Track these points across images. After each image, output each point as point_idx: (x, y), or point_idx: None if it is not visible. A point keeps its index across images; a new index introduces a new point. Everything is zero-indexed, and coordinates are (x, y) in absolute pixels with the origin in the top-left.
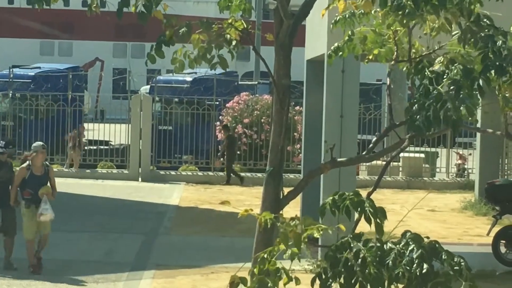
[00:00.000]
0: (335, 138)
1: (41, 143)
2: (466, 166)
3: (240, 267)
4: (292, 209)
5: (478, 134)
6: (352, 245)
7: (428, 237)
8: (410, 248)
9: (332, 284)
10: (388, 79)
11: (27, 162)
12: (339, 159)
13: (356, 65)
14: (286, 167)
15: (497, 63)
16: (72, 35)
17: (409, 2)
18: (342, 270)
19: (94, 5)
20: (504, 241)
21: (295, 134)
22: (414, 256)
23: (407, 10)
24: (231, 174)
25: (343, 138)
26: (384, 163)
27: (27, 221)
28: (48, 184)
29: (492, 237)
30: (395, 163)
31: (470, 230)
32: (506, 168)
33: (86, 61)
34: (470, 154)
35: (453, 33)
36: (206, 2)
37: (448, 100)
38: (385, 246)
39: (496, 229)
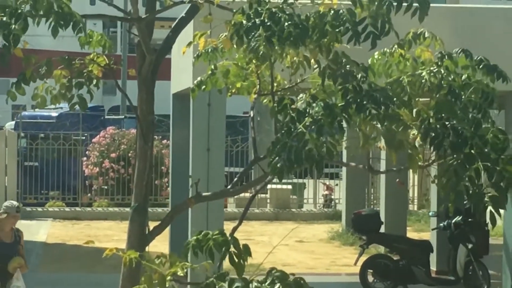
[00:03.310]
0: (203, 172)
1: (15, 203)
2: (333, 197)
3: None
4: (161, 243)
5: None
6: (217, 286)
7: (293, 274)
8: (275, 287)
9: None
10: (251, 112)
11: None
12: (204, 194)
13: (222, 98)
14: (155, 201)
15: (358, 100)
16: None
17: (263, 44)
18: None
19: None
20: (371, 270)
21: (163, 167)
22: None
23: (261, 53)
24: None
25: (210, 171)
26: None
27: None
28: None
29: (359, 266)
30: (263, 195)
31: (338, 260)
32: (372, 197)
33: None
34: (337, 185)
35: (314, 66)
36: (71, 37)
37: (309, 140)
38: (250, 285)
39: (364, 258)
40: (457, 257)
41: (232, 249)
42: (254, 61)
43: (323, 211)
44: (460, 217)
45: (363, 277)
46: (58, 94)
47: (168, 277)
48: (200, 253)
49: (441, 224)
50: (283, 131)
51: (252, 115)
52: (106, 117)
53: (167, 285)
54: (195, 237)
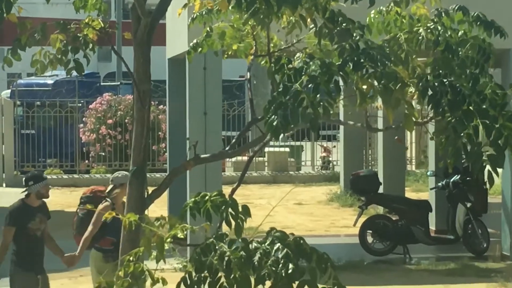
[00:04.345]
0: (200, 136)
1: (125, 172)
2: (331, 159)
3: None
4: (160, 209)
5: (342, 126)
6: (217, 247)
7: (293, 234)
8: (275, 247)
9: None
10: (248, 73)
11: (108, 200)
12: (202, 156)
13: (218, 62)
14: (152, 166)
15: (355, 58)
16: None
17: (263, 7)
18: (207, 275)
19: None
20: (370, 231)
21: (160, 133)
22: (280, 255)
23: (261, 17)
24: None
25: (207, 135)
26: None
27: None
28: None
29: (358, 227)
30: (261, 158)
31: (337, 222)
32: (370, 159)
33: None
34: (335, 147)
35: (311, 26)
36: (64, 4)
37: (305, 98)
38: (250, 245)
39: (362, 219)
40: (456, 216)
41: (229, 210)
42: (250, 22)
43: (321, 173)
44: (459, 176)
45: (362, 238)
46: (55, 58)
47: (168, 239)
48: (199, 216)
49: (440, 184)
50: (279, 89)
51: (248, 77)
52: (102, 83)
53: (166, 247)
54: (192, 199)
